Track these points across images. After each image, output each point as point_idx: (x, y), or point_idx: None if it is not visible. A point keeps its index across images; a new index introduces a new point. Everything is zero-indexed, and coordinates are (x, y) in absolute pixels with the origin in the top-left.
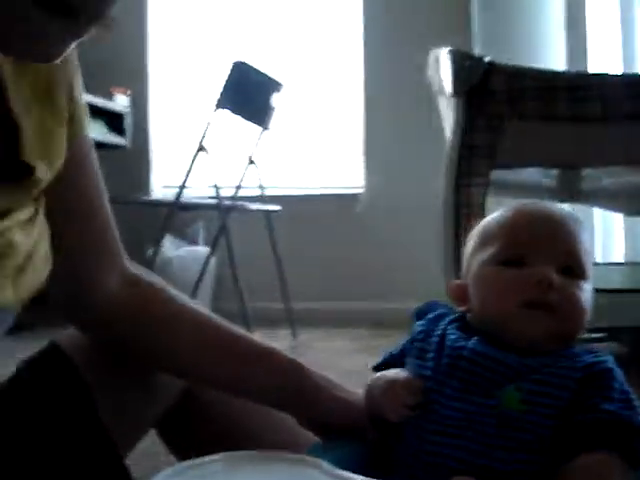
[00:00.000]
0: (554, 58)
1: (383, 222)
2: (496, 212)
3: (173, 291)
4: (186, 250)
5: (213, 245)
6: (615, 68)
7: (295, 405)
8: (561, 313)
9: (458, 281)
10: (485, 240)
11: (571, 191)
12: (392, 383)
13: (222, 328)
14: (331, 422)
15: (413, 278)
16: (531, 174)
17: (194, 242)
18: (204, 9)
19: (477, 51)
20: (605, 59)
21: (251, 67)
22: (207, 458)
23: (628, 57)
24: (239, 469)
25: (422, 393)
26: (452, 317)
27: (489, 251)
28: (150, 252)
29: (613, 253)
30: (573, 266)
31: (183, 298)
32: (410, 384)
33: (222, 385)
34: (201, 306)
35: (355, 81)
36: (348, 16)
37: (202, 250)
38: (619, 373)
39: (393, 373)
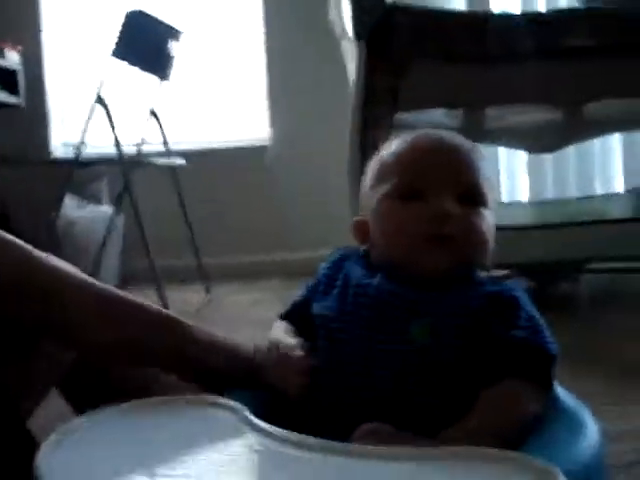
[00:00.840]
0: None
1: (292, 172)
2: (392, 144)
3: (54, 259)
4: (90, 210)
5: (117, 203)
6: (515, 6)
7: (179, 364)
8: (462, 242)
9: (359, 217)
10: (382, 174)
11: (475, 131)
12: (284, 359)
13: (109, 295)
14: (219, 375)
15: (326, 227)
16: (435, 115)
17: (98, 201)
18: None
19: None
20: None
21: (147, 15)
22: (107, 409)
23: None
24: (144, 416)
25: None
26: (356, 256)
27: (387, 185)
28: (53, 215)
29: (517, 192)
30: (472, 194)
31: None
32: (300, 363)
33: (111, 351)
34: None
35: (256, 29)
36: None
37: (106, 209)
38: (526, 300)
39: (287, 346)
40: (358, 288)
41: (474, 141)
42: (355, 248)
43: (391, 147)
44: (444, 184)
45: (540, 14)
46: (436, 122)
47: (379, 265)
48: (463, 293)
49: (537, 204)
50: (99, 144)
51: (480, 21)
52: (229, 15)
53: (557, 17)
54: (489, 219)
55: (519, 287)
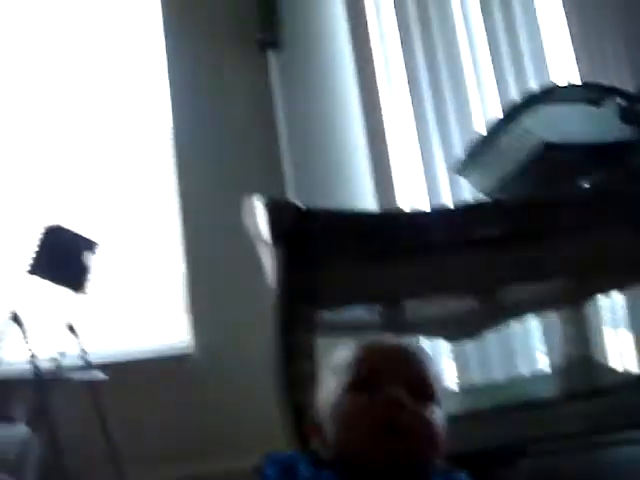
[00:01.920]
0: (364, 194)
1: (217, 379)
2: (346, 348)
3: None
4: (3, 429)
5: (32, 423)
6: (421, 199)
7: None
8: (416, 437)
9: (311, 423)
10: (338, 372)
11: (395, 324)
12: None
13: None
14: None
15: (254, 436)
16: (356, 312)
17: (10, 420)
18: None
19: (290, 194)
20: (410, 191)
21: (65, 230)
22: None
23: (432, 189)
24: None
25: None
26: (304, 460)
27: (342, 381)
28: None
29: (444, 379)
30: (423, 390)
31: None
32: None
33: None
34: None
35: (173, 235)
36: (160, 169)
37: (22, 429)
38: None
39: None
40: None
41: (395, 334)
42: (291, 454)
43: (347, 349)
44: (397, 379)
45: (449, 209)
46: (357, 319)
47: (332, 463)
48: None
49: (466, 391)
50: (13, 359)
51: (392, 219)
52: (146, 223)
53: (466, 210)
54: (440, 415)
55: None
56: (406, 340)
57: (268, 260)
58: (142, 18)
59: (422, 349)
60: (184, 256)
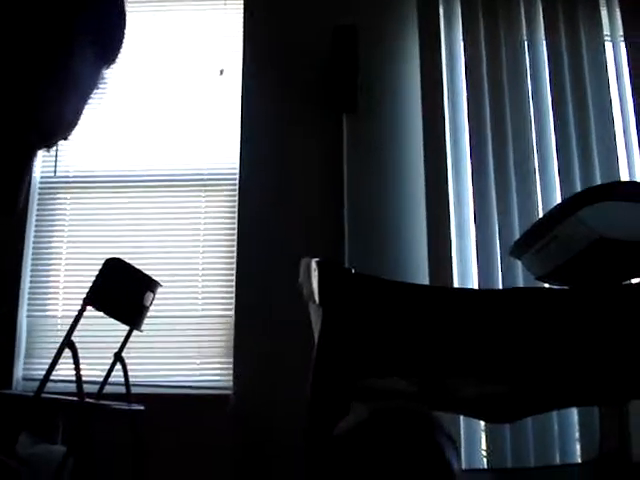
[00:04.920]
0: (418, 270)
1: (255, 423)
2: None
3: None
4: (43, 448)
5: (70, 444)
6: (475, 281)
7: None
8: None
9: None
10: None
11: (433, 399)
12: None
13: None
14: None
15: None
16: (393, 381)
17: (52, 440)
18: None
19: (348, 264)
20: (465, 272)
21: (126, 264)
22: None
23: (485, 271)
24: None
25: None
26: None
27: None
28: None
29: (476, 459)
30: None
31: None
32: None
33: None
34: None
35: (227, 286)
36: (220, 231)
37: (59, 449)
38: None
39: None
40: None
41: (432, 409)
42: None
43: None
44: None
45: (498, 290)
46: (398, 387)
47: None
48: None
49: (495, 472)
50: (60, 377)
51: (439, 294)
52: (202, 262)
53: (516, 293)
54: None
55: None
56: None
57: (316, 320)
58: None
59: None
60: (235, 305)
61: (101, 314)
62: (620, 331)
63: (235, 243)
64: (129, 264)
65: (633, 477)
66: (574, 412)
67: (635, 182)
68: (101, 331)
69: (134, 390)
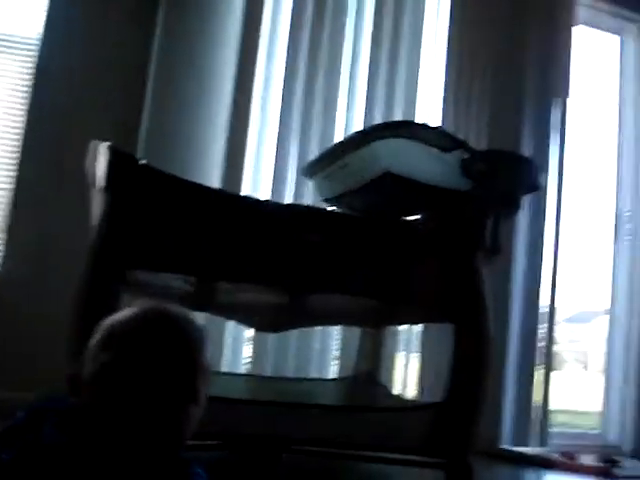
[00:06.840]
0: (212, 175)
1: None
2: (122, 313)
3: None
4: None
5: None
6: (265, 193)
7: None
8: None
9: (73, 371)
10: (107, 341)
11: (206, 301)
12: None
13: None
14: None
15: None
16: (170, 277)
17: None
18: None
19: (140, 154)
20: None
21: None
22: None
23: (278, 186)
24: None
25: None
26: (56, 412)
27: (108, 355)
28: None
29: (237, 364)
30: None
31: None
32: None
33: None
34: None
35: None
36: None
37: None
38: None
39: None
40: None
41: (205, 311)
42: (53, 403)
43: (120, 316)
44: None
45: (282, 205)
46: (170, 285)
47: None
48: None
49: (252, 379)
50: None
51: (226, 199)
52: None
53: (297, 210)
54: (196, 415)
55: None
56: (183, 318)
57: (95, 206)
58: None
59: (199, 329)
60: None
61: None
62: (386, 261)
63: (25, 114)
64: None
65: (377, 394)
66: (337, 330)
67: (426, 124)
68: None
69: None
